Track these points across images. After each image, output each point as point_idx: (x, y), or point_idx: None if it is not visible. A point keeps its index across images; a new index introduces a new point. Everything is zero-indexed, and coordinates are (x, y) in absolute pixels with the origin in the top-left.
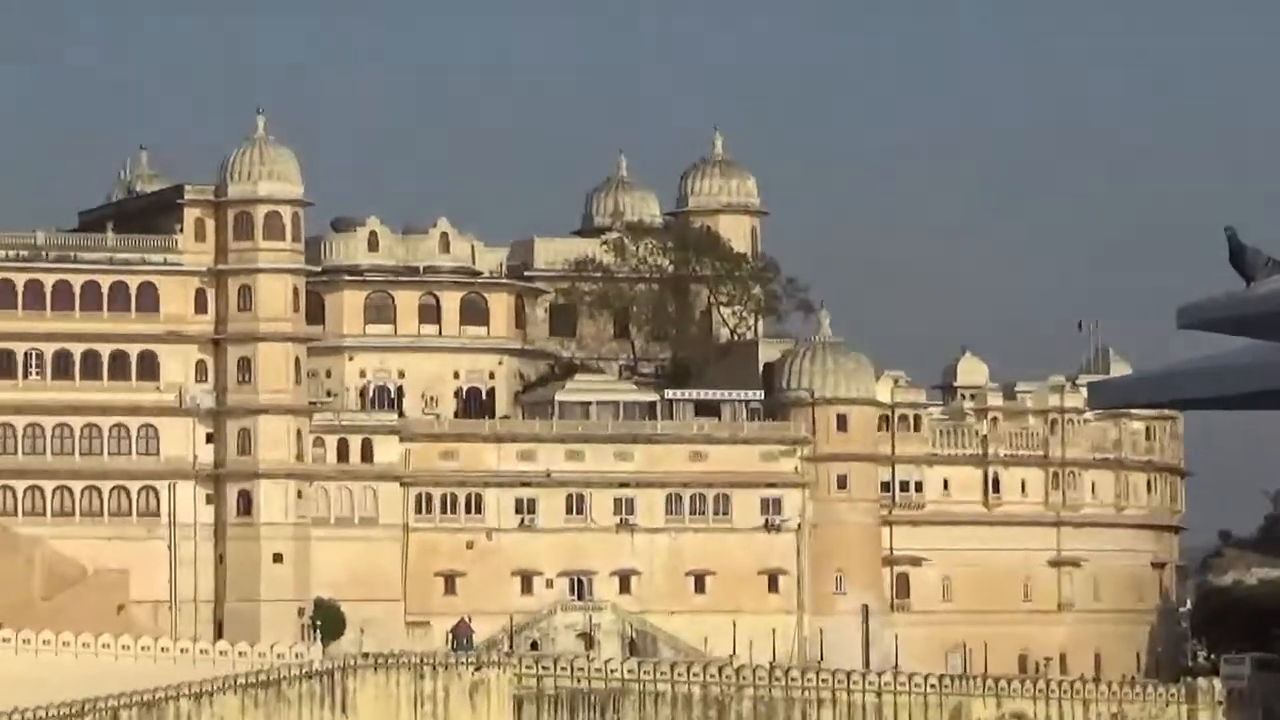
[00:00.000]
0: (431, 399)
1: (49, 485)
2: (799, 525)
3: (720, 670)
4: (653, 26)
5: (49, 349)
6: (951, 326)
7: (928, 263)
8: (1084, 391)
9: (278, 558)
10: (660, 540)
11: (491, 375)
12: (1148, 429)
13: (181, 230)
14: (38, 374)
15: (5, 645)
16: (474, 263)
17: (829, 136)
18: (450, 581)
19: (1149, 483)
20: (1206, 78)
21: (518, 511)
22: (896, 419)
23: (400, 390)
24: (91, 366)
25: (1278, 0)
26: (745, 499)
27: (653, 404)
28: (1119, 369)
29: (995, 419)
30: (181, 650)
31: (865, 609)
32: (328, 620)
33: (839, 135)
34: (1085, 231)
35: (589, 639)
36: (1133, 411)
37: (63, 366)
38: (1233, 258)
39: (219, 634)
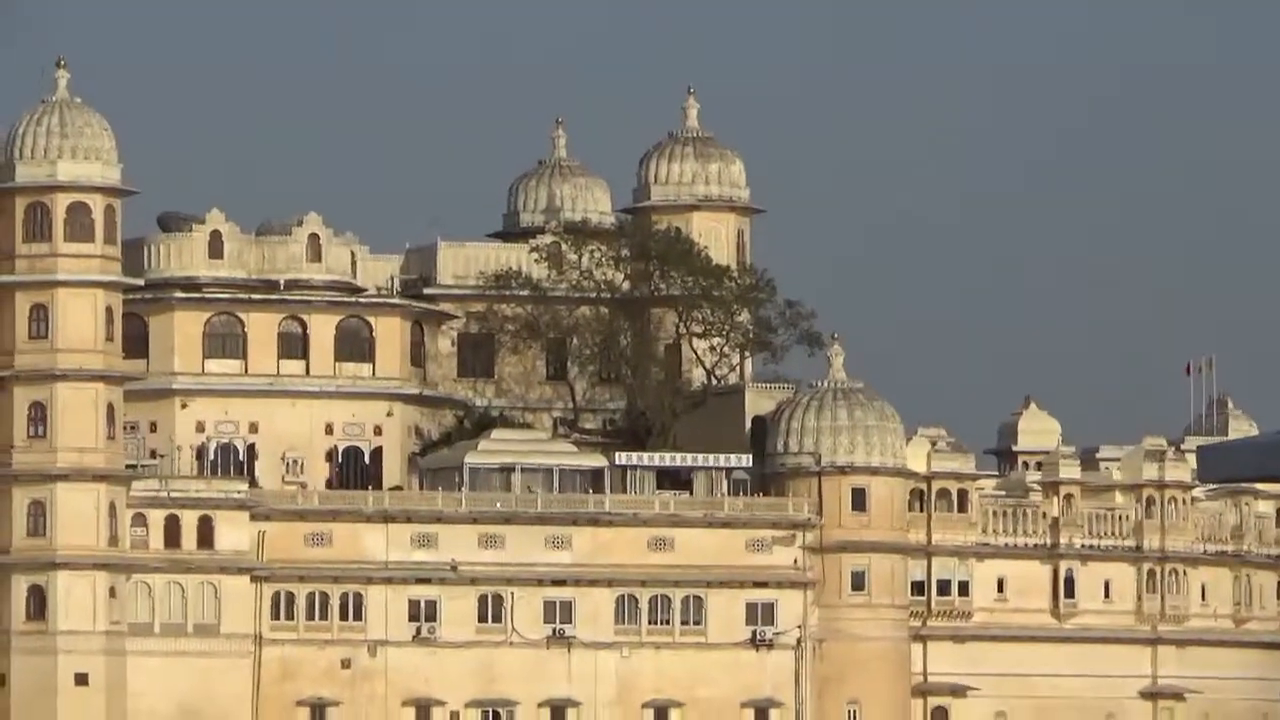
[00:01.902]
0: (295, 463)
1: None
2: (799, 640)
3: None
4: None
5: None
6: (1010, 369)
7: (977, 284)
8: (1192, 460)
9: (82, 679)
10: (607, 660)
11: (378, 431)
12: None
13: None
14: None
15: None
16: (355, 276)
17: (843, 107)
18: (319, 713)
19: None
20: None
21: (412, 618)
22: (935, 495)
23: (252, 450)
24: None
25: None
26: (726, 604)
27: (600, 471)
28: (1241, 428)
29: (1070, 496)
30: None
31: None
32: None
33: (857, 106)
34: (1193, 244)
35: None
36: (1259, 487)
37: None
38: None
39: None
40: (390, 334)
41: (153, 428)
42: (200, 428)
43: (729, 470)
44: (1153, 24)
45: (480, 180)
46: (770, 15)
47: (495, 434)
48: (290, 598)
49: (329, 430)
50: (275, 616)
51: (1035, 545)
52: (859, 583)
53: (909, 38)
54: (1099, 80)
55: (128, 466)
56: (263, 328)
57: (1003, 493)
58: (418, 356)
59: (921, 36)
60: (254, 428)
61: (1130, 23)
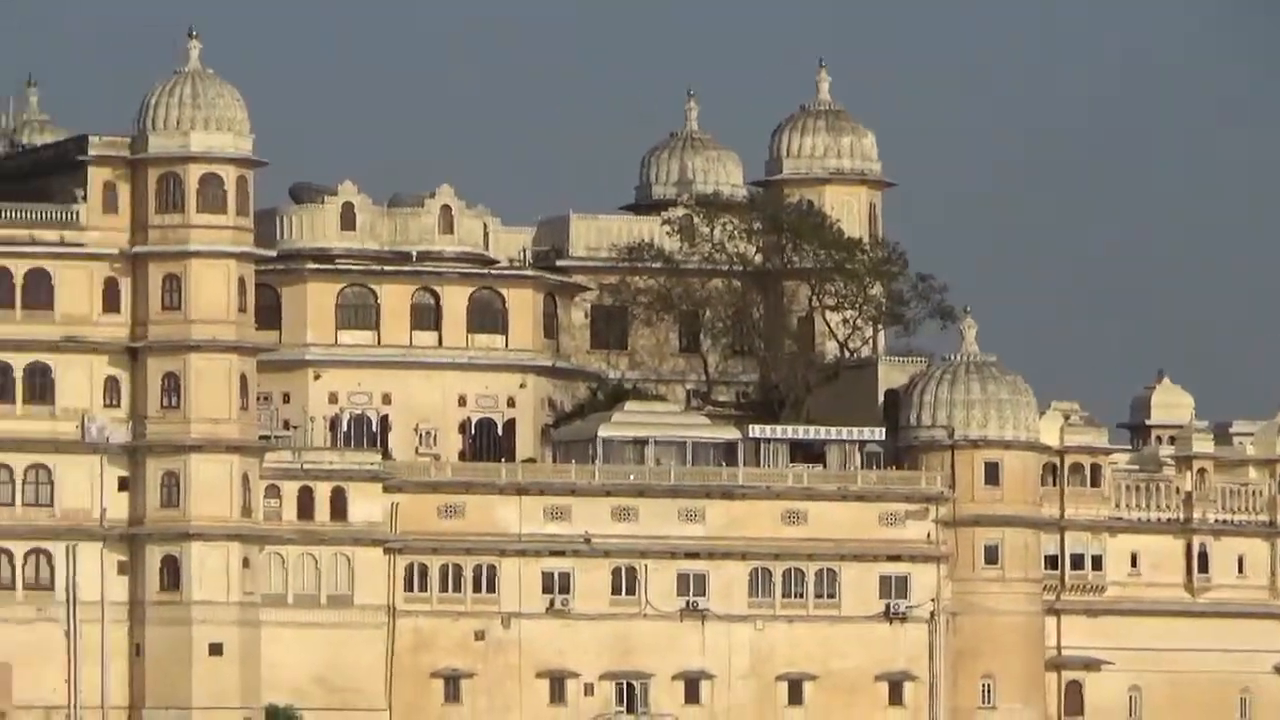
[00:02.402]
0: (428, 435)
1: None
2: (932, 614)
3: None
4: None
5: None
6: (1144, 343)
7: (1109, 255)
8: None
9: (216, 649)
10: (741, 633)
11: (511, 403)
12: None
13: (85, 198)
14: None
15: None
16: (487, 248)
17: (974, 79)
18: (453, 685)
19: None
20: None
21: (546, 591)
22: (1068, 469)
23: (385, 422)
24: None
25: None
26: (859, 577)
27: (733, 444)
28: None
29: (1203, 471)
30: None
31: None
32: None
33: (988, 78)
34: None
35: None
36: None
37: None
38: None
39: None
40: (523, 306)
41: (285, 399)
42: (333, 399)
43: (862, 444)
44: None
45: (613, 153)
46: None
47: (628, 406)
48: (424, 569)
49: (462, 402)
50: (409, 588)
51: (1168, 520)
52: (992, 556)
53: (1040, 6)
54: (1255, 42)
55: (261, 438)
56: (395, 299)
57: (1136, 467)
58: (551, 328)
59: (1054, 5)
60: (387, 399)
61: None
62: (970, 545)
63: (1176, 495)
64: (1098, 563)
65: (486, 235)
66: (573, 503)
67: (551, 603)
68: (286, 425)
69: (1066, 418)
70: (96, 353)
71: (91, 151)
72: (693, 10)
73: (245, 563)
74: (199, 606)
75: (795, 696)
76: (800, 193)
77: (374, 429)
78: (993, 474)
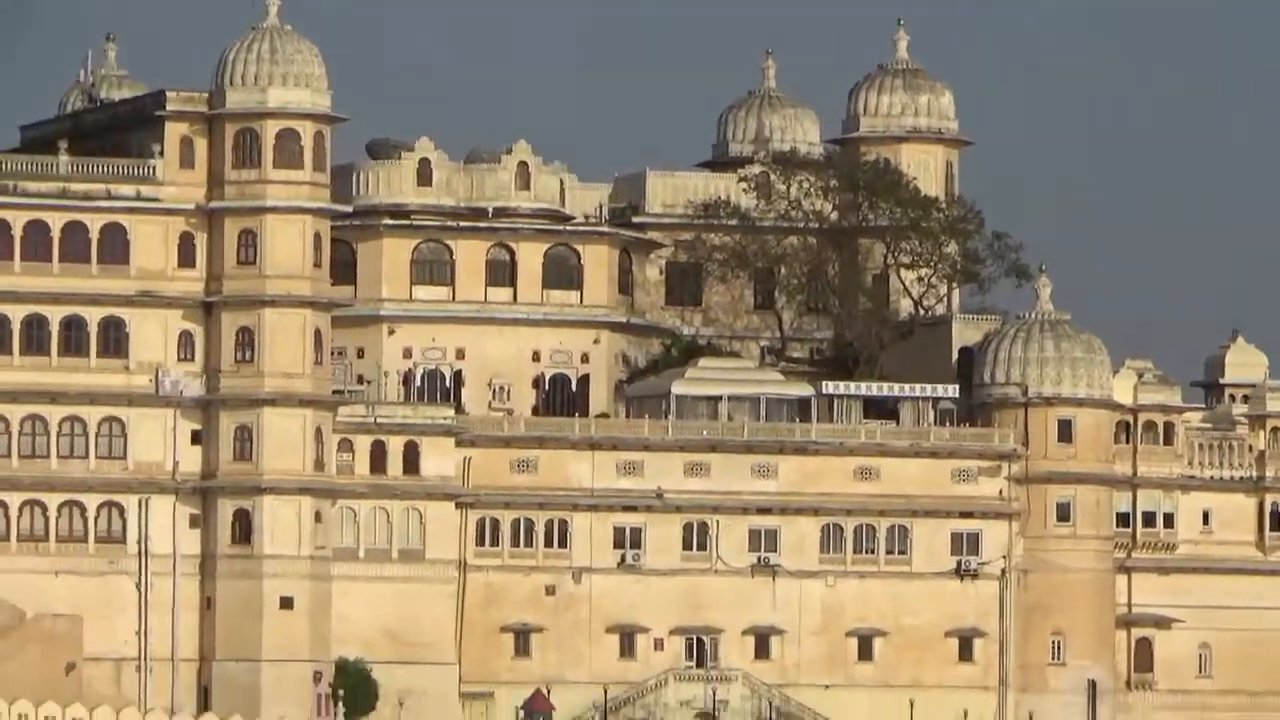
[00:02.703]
0: (502, 389)
1: None
2: (1004, 571)
3: None
4: None
5: None
6: (1219, 301)
7: (1186, 212)
8: None
9: (287, 603)
10: (812, 588)
11: (585, 358)
12: None
13: (162, 153)
14: None
15: None
16: (563, 204)
17: (1055, 37)
18: (523, 639)
19: None
20: None
21: (617, 546)
22: (1141, 427)
23: (459, 376)
24: (36, 338)
25: None
26: (931, 533)
27: (806, 400)
28: None
29: (1276, 430)
30: None
31: (1092, 686)
32: (355, 689)
33: (1069, 34)
34: None
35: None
36: None
37: None
38: None
39: (204, 705)
40: (598, 262)
41: (360, 354)
42: (407, 354)
43: (935, 400)
44: None
45: (690, 110)
46: None
47: (702, 363)
48: (495, 524)
49: (535, 357)
50: (480, 543)
51: (1241, 478)
52: (1064, 514)
53: None
54: None
55: (334, 392)
56: (471, 255)
57: (1209, 425)
58: (625, 285)
59: None
60: (460, 354)
61: None
62: (1042, 502)
63: (1249, 454)
64: (1170, 520)
65: (563, 191)
66: (645, 458)
67: (622, 558)
68: (360, 380)
69: (1140, 376)
70: (171, 307)
71: (169, 107)
72: None
73: (317, 517)
74: (270, 560)
75: (865, 652)
76: (877, 151)
77: (447, 384)
78: (1065, 431)
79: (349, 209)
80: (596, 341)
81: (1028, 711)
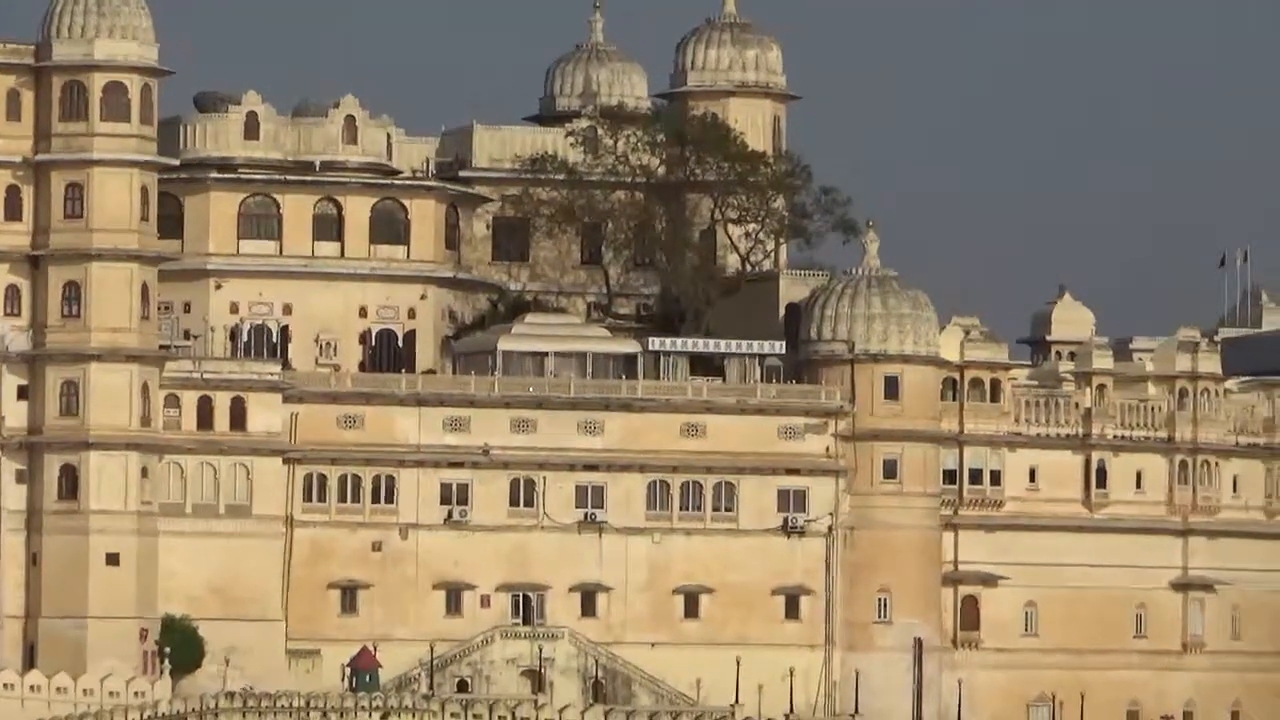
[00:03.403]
0: (329, 345)
1: None
2: (830, 528)
3: None
4: None
5: None
6: (1044, 258)
7: (1012, 170)
8: (1224, 351)
9: (113, 559)
10: (638, 545)
11: (411, 314)
12: None
13: None
14: None
15: None
16: (390, 158)
17: None
18: (349, 595)
19: None
20: None
21: (444, 502)
22: (968, 384)
23: (285, 332)
24: None
25: None
26: (757, 491)
27: (633, 357)
28: (1275, 321)
29: (1102, 387)
30: None
31: (918, 644)
32: (181, 646)
33: None
34: (1229, 124)
35: (538, 678)
36: None
37: None
38: None
39: (30, 663)
40: (425, 217)
41: (186, 308)
42: (234, 309)
43: (762, 357)
44: None
45: (517, 64)
46: None
47: (529, 318)
48: (322, 480)
49: (363, 313)
50: (307, 499)
51: (1067, 435)
52: (891, 471)
53: None
54: None
55: (161, 347)
56: (298, 209)
57: (1035, 383)
58: (452, 239)
59: None
60: (288, 309)
61: None
62: (869, 459)
63: (1076, 411)
64: (996, 478)
65: (390, 146)
66: (472, 414)
67: (449, 514)
68: (187, 335)
69: (966, 333)
70: None
71: None
72: None
73: (144, 472)
74: (96, 516)
75: (692, 609)
76: (705, 105)
77: (274, 339)
78: (892, 388)
79: (176, 162)
80: (423, 297)
81: (854, 669)
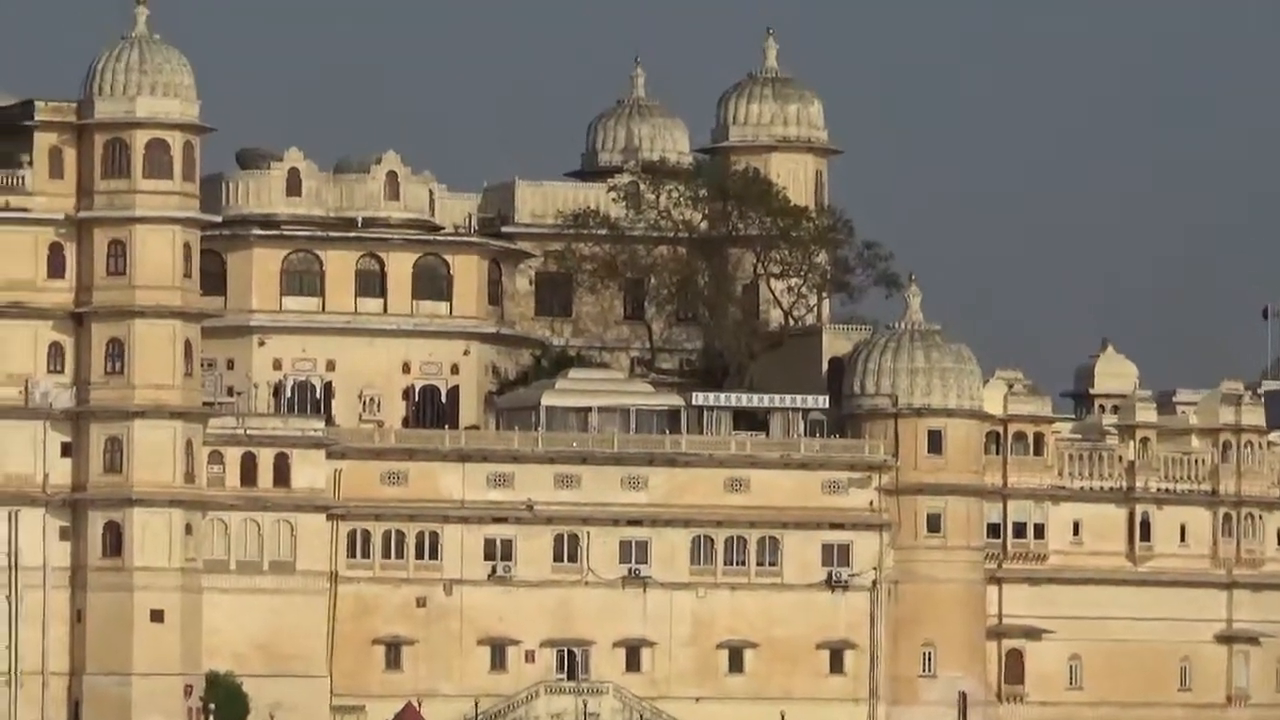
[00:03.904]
0: (372, 401)
1: None
2: (874, 582)
3: None
4: None
5: None
6: (1089, 312)
7: (1057, 224)
8: (1268, 403)
9: (157, 616)
10: (682, 600)
11: (455, 369)
12: None
13: (31, 163)
14: None
15: None
16: (433, 214)
17: (926, 44)
18: (394, 652)
19: None
20: None
21: (488, 558)
22: (1011, 438)
23: (329, 388)
24: None
25: None
26: (801, 545)
27: (676, 411)
28: None
29: (1146, 440)
30: None
31: (963, 698)
32: (225, 703)
33: (941, 43)
34: (1273, 185)
35: None
36: None
37: None
38: None
39: (75, 718)
40: (468, 272)
41: (230, 365)
42: (277, 365)
43: (805, 411)
44: None
45: (560, 119)
46: None
47: (572, 374)
48: (366, 536)
49: (406, 369)
50: (351, 554)
51: (1111, 489)
52: (934, 525)
53: None
54: (1186, 16)
55: (205, 404)
56: (340, 265)
57: (1079, 436)
58: (495, 295)
59: None
60: (331, 366)
61: None
62: (913, 513)
63: (1119, 464)
64: (1040, 531)
65: (432, 201)
66: (515, 470)
67: (493, 569)
68: (230, 391)
69: (1010, 386)
70: (41, 318)
71: (38, 116)
72: None
73: (188, 529)
74: (141, 573)
75: (736, 664)
76: (746, 160)
77: (318, 395)
78: (936, 442)
79: (218, 219)
80: (466, 353)
81: None
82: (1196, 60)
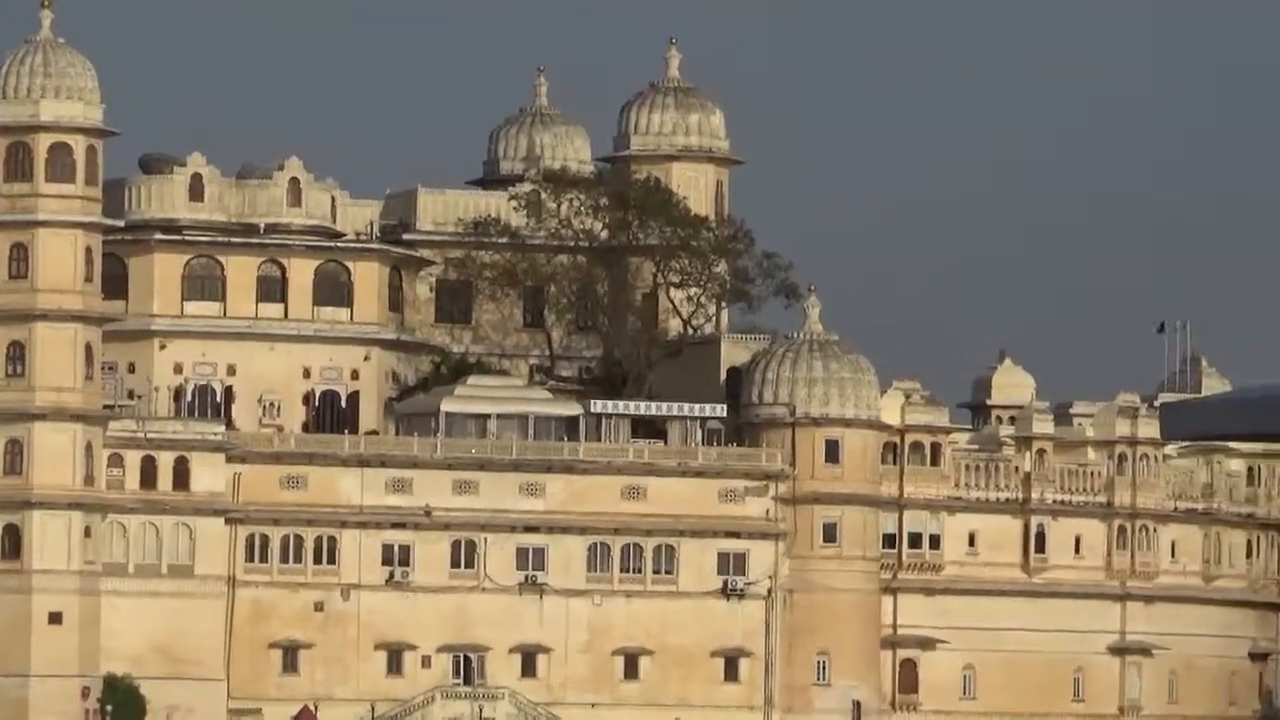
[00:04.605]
0: (272, 405)
1: None
2: (770, 591)
3: None
4: None
5: None
6: (986, 323)
7: (954, 237)
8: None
9: (55, 618)
10: (579, 607)
11: (355, 375)
12: (1250, 470)
13: None
14: None
15: None
16: (334, 220)
17: (828, 57)
18: (291, 656)
19: (1250, 544)
20: None
21: (385, 563)
22: (908, 448)
23: (229, 392)
24: None
25: None
26: (697, 553)
27: (574, 419)
28: (1213, 386)
29: (1042, 451)
30: None
31: (857, 706)
32: (123, 706)
33: (842, 56)
34: (1169, 203)
35: None
36: (1231, 445)
37: None
38: None
39: None
40: (369, 279)
41: (130, 369)
42: (178, 369)
43: (703, 420)
44: None
45: (462, 127)
46: None
47: (471, 380)
48: (265, 540)
49: (306, 374)
50: (249, 559)
51: (1007, 500)
52: (830, 534)
53: None
54: (1077, 39)
55: (105, 407)
56: (242, 271)
57: (975, 447)
58: (396, 302)
59: None
60: (231, 370)
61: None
62: (809, 523)
63: (1015, 475)
64: (935, 542)
65: (334, 208)
66: (414, 475)
67: (391, 575)
68: (131, 395)
69: (907, 397)
70: None
71: None
72: None
73: (87, 531)
74: (39, 575)
75: (631, 671)
76: (647, 169)
77: (218, 400)
78: (833, 452)
79: (121, 223)
80: (366, 359)
81: None
82: (1102, 83)
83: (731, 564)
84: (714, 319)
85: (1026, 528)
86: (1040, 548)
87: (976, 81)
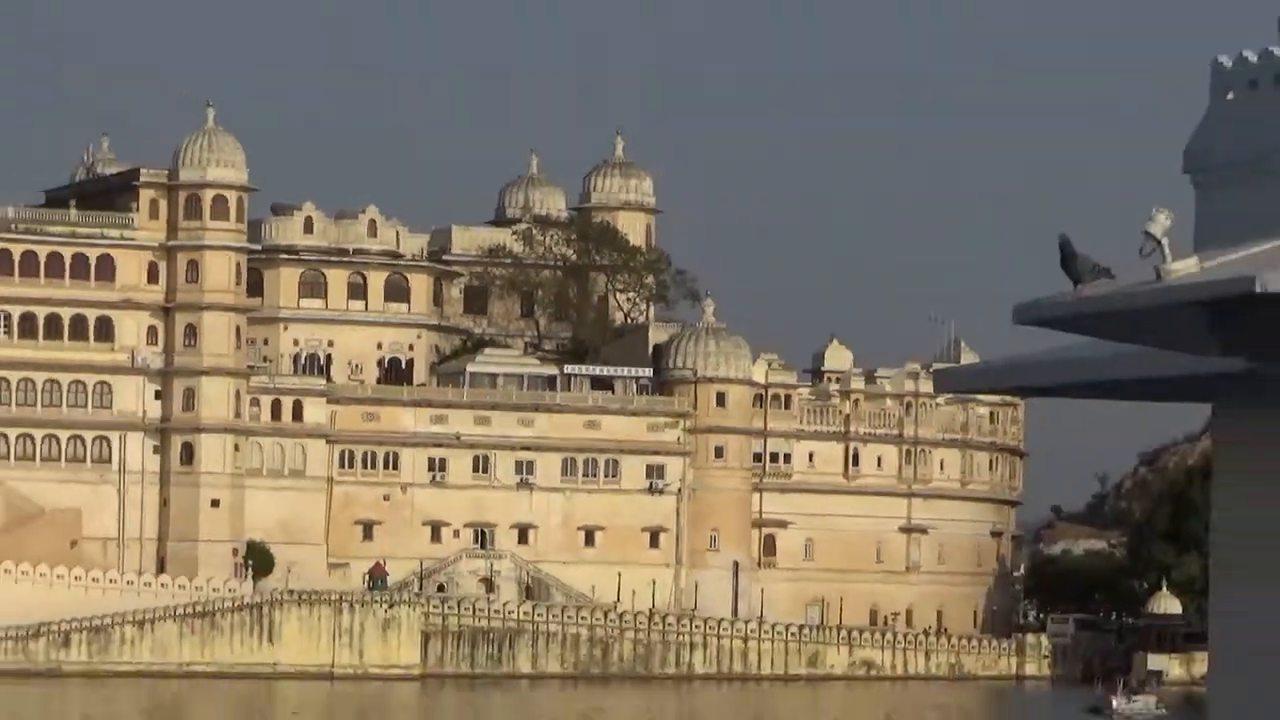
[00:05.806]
0: (357, 367)
1: (12, 432)
2: (680, 489)
3: (605, 615)
4: (571, 37)
5: (16, 311)
6: (822, 316)
7: (804, 259)
8: (935, 377)
9: (215, 503)
10: (556, 499)
11: (411, 347)
12: (992, 413)
13: (137, 209)
14: (5, 334)
15: None
16: (398, 246)
17: (722, 141)
18: (368, 529)
19: (991, 461)
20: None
21: (430, 469)
22: (769, 397)
23: (329, 358)
24: (54, 329)
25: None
26: (633, 464)
27: (553, 377)
28: (968, 358)
29: (857, 400)
30: (128, 582)
31: (736, 565)
32: (258, 560)
33: (730, 141)
34: (951, 235)
35: (489, 584)
36: (979, 397)
37: (28, 328)
38: (1064, 262)
39: (161, 569)
40: (420, 285)
41: (265, 342)
42: (295, 343)
43: (637, 379)
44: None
45: (481, 185)
46: (677, 72)
47: (487, 352)
48: (351, 454)
49: (379, 346)
50: (341, 466)
51: (834, 432)
52: (719, 453)
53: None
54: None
55: (248, 367)
56: (337, 279)
57: (814, 398)
58: (438, 300)
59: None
60: (330, 344)
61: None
62: (706, 445)
63: (840, 416)
64: (788, 459)
65: (398, 238)
66: (449, 413)
67: (433, 477)
68: (265, 359)
69: (770, 364)
70: (143, 309)
71: (142, 179)
72: (537, 93)
73: (236, 448)
74: (205, 475)
75: (590, 541)
76: (603, 216)
77: (321, 363)
78: (721, 400)
79: (259, 248)
80: (419, 337)
81: (694, 582)
82: (941, 92)
83: (655, 472)
84: (645, 314)
85: (847, 450)
86: (855, 463)
87: (815, 137)
